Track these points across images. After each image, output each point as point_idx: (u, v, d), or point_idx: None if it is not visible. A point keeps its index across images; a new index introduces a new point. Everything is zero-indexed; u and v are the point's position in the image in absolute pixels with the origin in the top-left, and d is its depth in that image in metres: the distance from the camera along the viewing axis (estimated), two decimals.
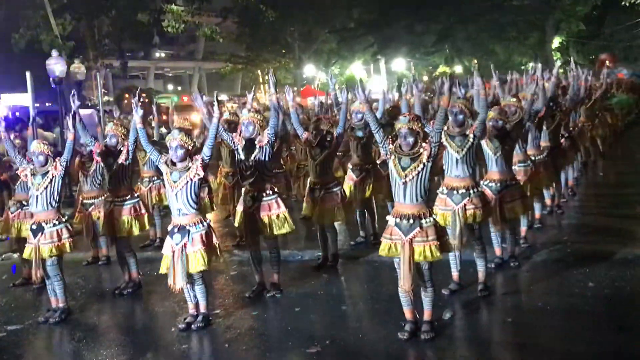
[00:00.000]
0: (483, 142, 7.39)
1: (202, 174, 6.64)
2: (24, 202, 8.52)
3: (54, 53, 15.24)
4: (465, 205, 6.85)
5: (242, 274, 8.77)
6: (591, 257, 8.11)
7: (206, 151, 6.72)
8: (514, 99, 8.48)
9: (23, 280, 8.90)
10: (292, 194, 12.02)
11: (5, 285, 9.11)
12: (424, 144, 6.02)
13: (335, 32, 43.13)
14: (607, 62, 30.61)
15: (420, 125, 6.11)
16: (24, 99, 29.34)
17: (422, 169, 5.96)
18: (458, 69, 42.90)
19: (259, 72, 49.46)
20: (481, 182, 7.40)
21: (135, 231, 8.20)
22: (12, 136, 8.53)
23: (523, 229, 8.55)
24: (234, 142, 7.59)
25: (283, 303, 7.56)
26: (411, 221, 5.97)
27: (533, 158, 8.81)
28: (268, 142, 7.46)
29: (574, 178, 11.95)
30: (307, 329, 6.73)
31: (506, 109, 8.03)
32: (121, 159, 8.03)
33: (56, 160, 7.32)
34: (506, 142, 7.49)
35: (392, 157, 6.06)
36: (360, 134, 9.06)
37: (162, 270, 6.78)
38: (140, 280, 8.37)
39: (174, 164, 6.70)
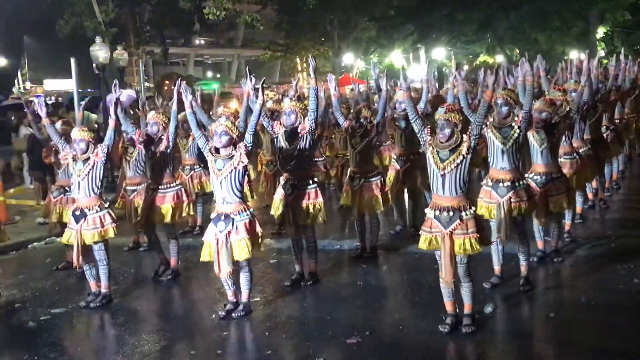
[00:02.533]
0: (529, 134, 7.25)
1: (246, 161, 6.66)
2: (66, 188, 8.62)
3: (98, 39, 15.37)
4: (510, 198, 6.76)
5: (281, 263, 8.80)
6: (636, 252, 7.95)
7: (248, 138, 6.74)
8: (559, 93, 8.33)
9: (66, 264, 9.02)
10: (330, 182, 12.01)
11: (49, 269, 9.26)
12: (463, 136, 5.95)
13: (375, 20, 42.84)
14: None
15: (459, 116, 6.03)
16: (67, 85, 29.83)
17: (462, 161, 5.89)
18: (499, 58, 42.37)
19: (298, 59, 49.52)
20: (526, 175, 7.29)
21: (176, 218, 8.28)
22: (59, 124, 8.63)
23: (567, 222, 8.41)
24: (273, 130, 7.61)
25: (322, 292, 7.57)
26: (451, 213, 5.92)
27: (578, 150, 8.65)
28: (309, 130, 7.44)
29: (619, 171, 11.72)
30: (346, 319, 6.74)
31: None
32: (162, 147, 8.11)
33: (97, 146, 7.38)
34: (552, 134, 7.36)
35: (430, 148, 6.01)
36: (403, 124, 9.00)
37: (204, 258, 6.79)
38: (179, 269, 8.44)
39: (217, 151, 6.73)
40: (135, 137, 8.23)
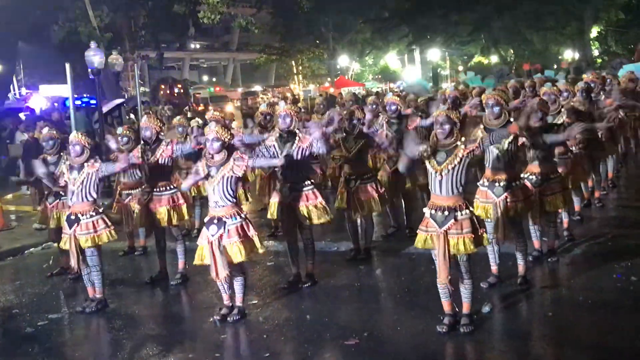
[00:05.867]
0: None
1: (239, 172, 6.68)
2: (61, 193, 8.58)
3: (93, 44, 15.33)
4: (507, 197, 6.76)
5: (278, 265, 8.79)
6: (633, 250, 7.94)
7: (252, 163, 6.83)
8: (554, 87, 8.33)
9: (61, 270, 9.00)
10: (327, 184, 11.99)
11: (46, 275, 9.23)
12: (462, 139, 5.96)
13: (370, 22, 42.96)
14: None
15: (457, 115, 6.05)
16: (62, 90, 29.77)
17: (459, 163, 5.90)
18: (494, 58, 42.52)
19: (293, 62, 49.62)
20: (522, 175, 7.28)
21: (174, 221, 8.26)
22: (45, 129, 8.64)
23: (565, 220, 8.41)
24: (266, 147, 7.55)
25: (320, 294, 7.56)
26: (446, 213, 5.93)
27: (572, 149, 8.65)
28: (309, 149, 7.43)
29: (614, 170, 11.73)
30: (344, 320, 6.73)
31: (545, 97, 7.94)
32: (164, 155, 8.12)
33: (94, 159, 7.38)
34: (548, 134, 7.35)
35: (426, 152, 6.01)
36: (395, 126, 9.00)
37: (196, 261, 6.83)
38: (186, 272, 8.38)
39: (211, 155, 6.73)
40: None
